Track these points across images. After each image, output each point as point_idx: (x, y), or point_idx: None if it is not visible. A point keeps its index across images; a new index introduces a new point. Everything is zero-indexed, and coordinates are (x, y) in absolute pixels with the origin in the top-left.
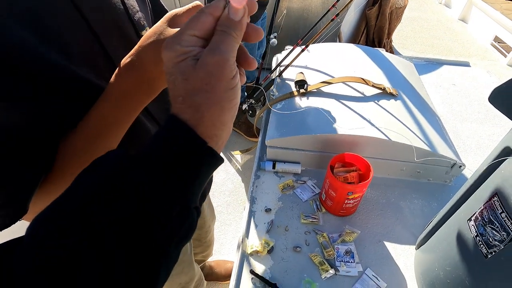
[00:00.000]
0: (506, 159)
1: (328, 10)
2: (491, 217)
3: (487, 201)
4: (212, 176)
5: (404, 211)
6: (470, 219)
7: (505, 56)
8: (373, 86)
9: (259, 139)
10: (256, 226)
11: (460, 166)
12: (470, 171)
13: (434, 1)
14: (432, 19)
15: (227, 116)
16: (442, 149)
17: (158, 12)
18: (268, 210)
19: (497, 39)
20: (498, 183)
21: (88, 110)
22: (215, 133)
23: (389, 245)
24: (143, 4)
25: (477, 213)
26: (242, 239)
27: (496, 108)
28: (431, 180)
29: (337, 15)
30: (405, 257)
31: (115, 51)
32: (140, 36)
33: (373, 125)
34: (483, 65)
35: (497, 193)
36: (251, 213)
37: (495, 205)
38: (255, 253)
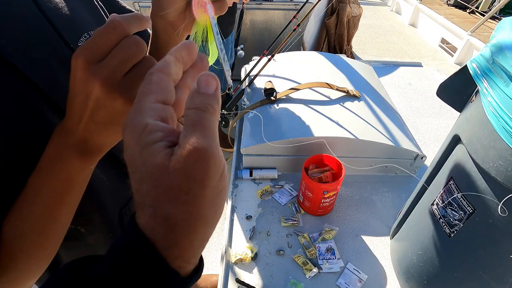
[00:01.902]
0: (457, 146)
1: (290, 21)
2: (450, 199)
3: (445, 185)
4: None
5: (377, 205)
6: (433, 204)
7: (452, 55)
8: (337, 89)
9: (235, 148)
10: (238, 234)
11: (422, 158)
12: (431, 161)
13: (386, 8)
14: (386, 25)
15: (210, 232)
16: (405, 143)
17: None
18: (249, 217)
19: (443, 41)
20: (452, 168)
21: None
22: (193, 255)
23: (366, 238)
24: (96, 16)
25: (438, 197)
26: (226, 249)
27: (443, 101)
28: (398, 173)
29: (298, 25)
30: (381, 247)
31: (65, 95)
32: None
33: (341, 126)
34: (434, 65)
35: (452, 177)
36: (232, 222)
37: (451, 188)
38: (239, 261)
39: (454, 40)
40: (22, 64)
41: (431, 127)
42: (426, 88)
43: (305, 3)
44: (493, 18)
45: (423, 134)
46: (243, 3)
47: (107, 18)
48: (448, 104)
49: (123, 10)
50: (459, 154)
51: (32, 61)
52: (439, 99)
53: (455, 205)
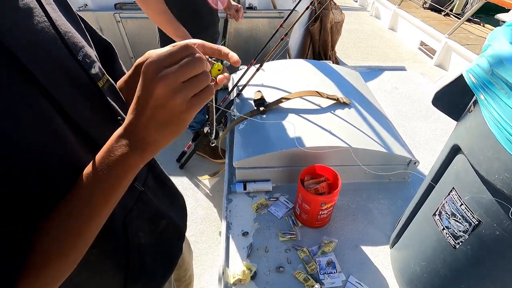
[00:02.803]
0: (456, 155)
1: (276, 31)
2: (452, 210)
3: (447, 195)
4: (185, 206)
5: (374, 213)
6: (435, 214)
7: (431, 57)
8: (327, 97)
9: (226, 161)
10: (235, 252)
11: (415, 163)
12: (423, 166)
13: (365, 14)
14: (367, 29)
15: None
16: (397, 149)
17: (94, 39)
18: (245, 234)
19: (422, 43)
20: (453, 178)
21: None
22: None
23: (365, 249)
24: (85, 37)
25: (440, 207)
26: (223, 270)
27: (439, 110)
28: (392, 179)
29: (286, 34)
30: (382, 257)
31: (69, 102)
32: (90, 75)
33: (333, 134)
34: (415, 67)
35: (454, 187)
36: (228, 240)
37: (454, 198)
38: (238, 282)
39: (432, 42)
40: (35, 69)
41: (419, 131)
42: (411, 91)
43: (291, 12)
44: (467, 20)
45: (412, 138)
46: (228, 13)
47: (91, 41)
48: (444, 113)
49: (102, 40)
50: (459, 164)
51: (42, 67)
52: (425, 102)
53: (459, 216)
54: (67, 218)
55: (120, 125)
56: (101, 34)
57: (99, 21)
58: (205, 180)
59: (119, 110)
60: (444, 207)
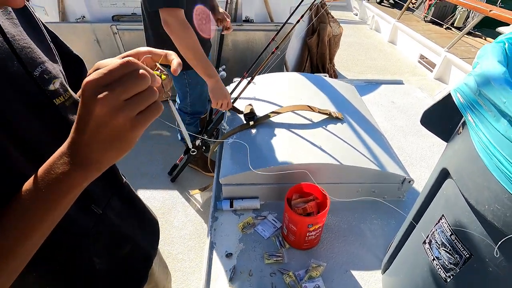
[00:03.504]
0: (446, 179)
1: (268, 44)
2: (442, 239)
3: (436, 223)
4: (158, 231)
5: (366, 234)
6: (424, 242)
7: (431, 71)
8: (319, 112)
9: (214, 176)
10: (217, 275)
11: (410, 181)
12: (419, 183)
13: (365, 27)
14: (366, 43)
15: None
16: (391, 167)
17: (64, 55)
18: (229, 255)
19: (422, 57)
20: (442, 204)
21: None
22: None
23: (356, 274)
24: (49, 52)
25: (430, 235)
26: None
27: (428, 129)
28: (386, 197)
29: (277, 48)
30: (373, 283)
31: (19, 120)
32: (45, 92)
33: (324, 151)
34: (414, 81)
35: (443, 214)
36: (211, 262)
37: (444, 226)
38: None
39: (432, 56)
40: None
41: (416, 147)
42: (408, 106)
43: (284, 24)
44: (468, 33)
45: (409, 154)
46: (222, 30)
47: (57, 57)
48: (432, 133)
49: (72, 54)
50: (449, 189)
51: None
52: None
53: (449, 247)
54: (4, 234)
55: None
56: (71, 48)
57: (96, 32)
58: (196, 194)
59: None
60: (434, 235)
